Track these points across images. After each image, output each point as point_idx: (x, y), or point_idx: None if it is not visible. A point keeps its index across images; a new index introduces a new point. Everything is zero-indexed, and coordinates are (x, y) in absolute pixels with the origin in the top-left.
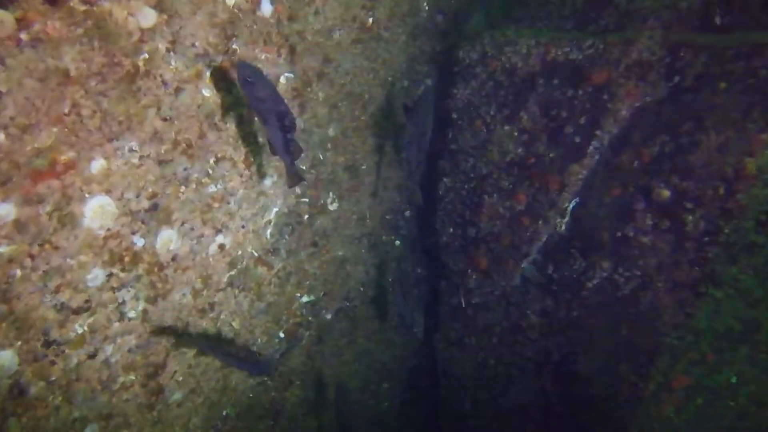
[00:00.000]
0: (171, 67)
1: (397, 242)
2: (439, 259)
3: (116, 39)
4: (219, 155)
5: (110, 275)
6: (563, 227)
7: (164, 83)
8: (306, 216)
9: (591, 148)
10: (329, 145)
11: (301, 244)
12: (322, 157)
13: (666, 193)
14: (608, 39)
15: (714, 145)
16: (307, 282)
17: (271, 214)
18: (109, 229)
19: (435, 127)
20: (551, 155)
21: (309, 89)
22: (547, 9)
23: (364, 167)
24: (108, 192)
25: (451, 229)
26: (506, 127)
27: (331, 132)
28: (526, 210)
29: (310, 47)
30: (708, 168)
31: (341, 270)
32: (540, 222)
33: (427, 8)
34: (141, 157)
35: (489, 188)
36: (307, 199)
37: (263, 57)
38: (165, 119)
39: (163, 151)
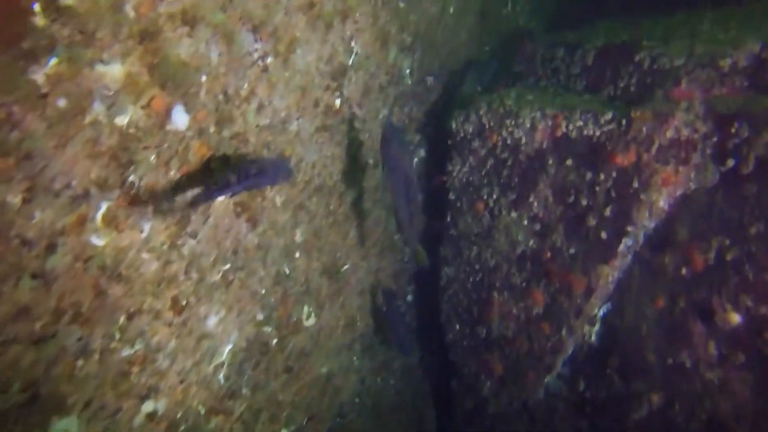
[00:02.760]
0: (34, 221)
1: None
2: (447, 356)
3: None
4: (131, 309)
5: None
6: (593, 337)
7: (26, 244)
8: (274, 341)
9: (622, 246)
10: (297, 254)
11: (270, 375)
12: (288, 271)
13: (735, 318)
14: (633, 113)
15: None
16: (284, 413)
17: (223, 355)
18: None
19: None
20: (571, 251)
21: (259, 198)
22: (553, 64)
23: (347, 266)
24: None
25: (458, 326)
26: (513, 214)
27: (298, 237)
28: (545, 314)
29: (254, 150)
30: None
31: (328, 387)
32: (563, 331)
33: (409, 72)
34: (3, 343)
35: (498, 283)
36: (270, 328)
37: None
38: (32, 289)
39: (38, 328)
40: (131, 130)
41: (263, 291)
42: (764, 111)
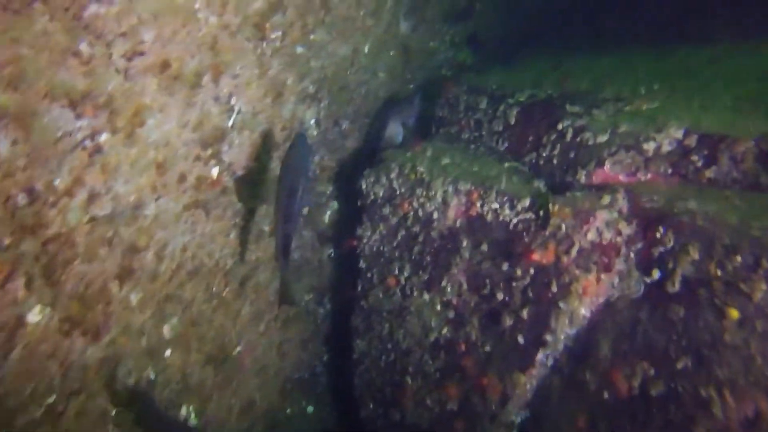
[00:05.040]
0: None
1: (310, 408)
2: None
3: None
4: None
5: None
6: None
7: None
8: None
9: (540, 355)
10: (167, 352)
11: None
12: (153, 375)
13: None
14: (551, 206)
15: (735, 418)
16: None
17: None
18: None
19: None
20: (487, 348)
21: (101, 303)
22: (476, 115)
23: (240, 347)
24: None
25: (371, 405)
26: (426, 296)
27: (167, 333)
28: (459, 411)
29: (87, 251)
30: None
31: None
32: None
33: (315, 123)
34: None
35: (411, 369)
36: None
37: None
38: None
39: None
40: None
41: (115, 410)
42: (689, 218)
